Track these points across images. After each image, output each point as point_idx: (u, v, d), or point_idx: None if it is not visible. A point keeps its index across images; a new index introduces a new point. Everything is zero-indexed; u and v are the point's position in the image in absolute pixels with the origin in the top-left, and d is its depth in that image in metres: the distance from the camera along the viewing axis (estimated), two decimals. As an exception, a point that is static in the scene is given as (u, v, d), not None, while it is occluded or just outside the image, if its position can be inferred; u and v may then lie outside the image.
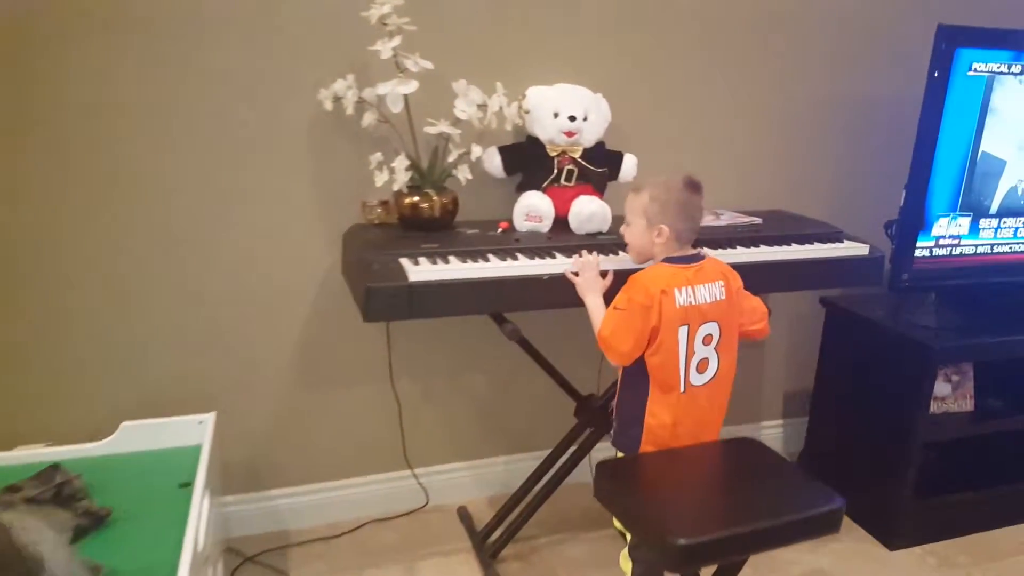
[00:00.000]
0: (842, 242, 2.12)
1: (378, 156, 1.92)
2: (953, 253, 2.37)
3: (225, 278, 2.04)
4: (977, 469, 2.51)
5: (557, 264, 1.77)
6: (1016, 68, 2.24)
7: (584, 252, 1.81)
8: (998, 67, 2.22)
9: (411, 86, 1.83)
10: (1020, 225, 2.44)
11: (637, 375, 1.74)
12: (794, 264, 2.01)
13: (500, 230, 1.98)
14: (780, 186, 2.56)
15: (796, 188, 2.57)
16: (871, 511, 2.39)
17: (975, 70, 2.20)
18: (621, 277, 1.75)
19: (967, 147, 2.27)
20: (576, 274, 1.76)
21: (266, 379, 2.16)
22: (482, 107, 1.95)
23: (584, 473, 2.25)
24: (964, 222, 2.36)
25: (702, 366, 1.73)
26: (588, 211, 1.97)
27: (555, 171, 2.04)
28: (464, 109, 1.92)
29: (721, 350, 1.75)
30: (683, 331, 1.69)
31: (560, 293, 1.76)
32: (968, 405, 2.45)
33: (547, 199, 1.98)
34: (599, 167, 2.08)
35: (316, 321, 2.15)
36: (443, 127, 1.90)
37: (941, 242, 2.36)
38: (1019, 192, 2.40)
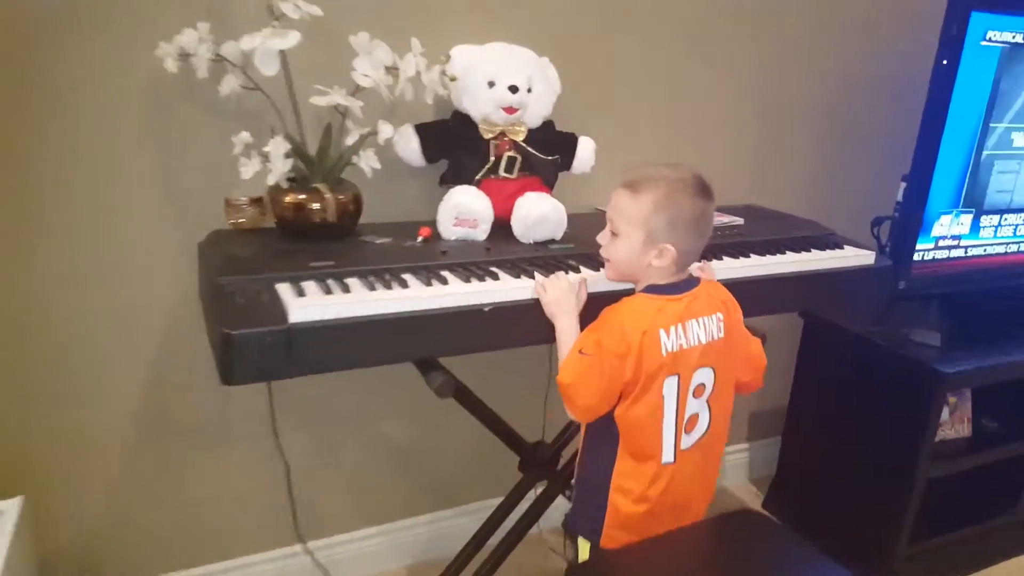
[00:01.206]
0: (842, 248, 1.71)
1: (245, 137, 1.37)
2: (954, 256, 2.02)
3: (31, 311, 1.45)
4: (970, 500, 2.17)
5: (502, 288, 1.28)
6: (1029, 37, 1.88)
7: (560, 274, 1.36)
8: (1012, 36, 1.86)
9: (290, 39, 1.29)
10: (1021, 222, 2.11)
11: (602, 434, 1.29)
12: (792, 279, 1.58)
13: (420, 239, 1.46)
14: (748, 176, 2.14)
15: (766, 179, 2.16)
16: (860, 554, 2.01)
17: (989, 39, 1.83)
18: (594, 303, 1.29)
19: (975, 131, 1.91)
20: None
21: (100, 446, 1.58)
22: (392, 71, 1.43)
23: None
24: (967, 220, 2.01)
25: (691, 424, 1.29)
26: (538, 213, 1.48)
27: (492, 159, 1.54)
28: (368, 73, 1.39)
29: (714, 402, 1.31)
30: (671, 383, 1.24)
31: (510, 328, 1.29)
32: (966, 430, 2.11)
33: (484, 197, 1.48)
34: (549, 154, 1.60)
35: (167, 364, 1.58)
36: (338, 97, 1.36)
37: (941, 243, 2.00)
38: (1024, 184, 2.07)
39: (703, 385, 1.28)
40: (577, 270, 1.39)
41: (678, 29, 1.89)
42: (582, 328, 1.26)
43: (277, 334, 1.08)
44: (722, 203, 1.93)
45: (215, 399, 1.64)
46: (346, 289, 1.19)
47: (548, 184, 1.61)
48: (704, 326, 1.26)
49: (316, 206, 1.37)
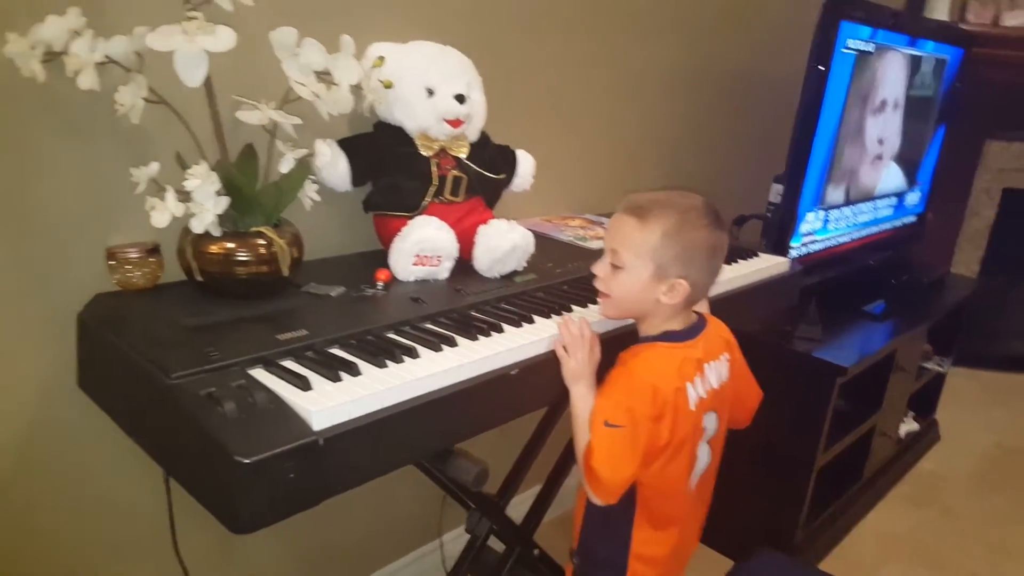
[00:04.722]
0: (756, 255, 1.73)
1: (152, 169, 1.01)
2: (813, 249, 2.16)
3: None
4: (829, 474, 2.36)
5: (519, 343, 1.07)
6: (870, 47, 2.04)
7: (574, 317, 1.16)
8: (864, 45, 2.00)
9: (223, 38, 0.96)
10: (851, 213, 2.31)
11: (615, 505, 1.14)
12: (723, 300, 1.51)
13: (380, 285, 1.19)
14: (609, 182, 2.06)
15: (624, 184, 2.10)
16: (766, 536, 2.09)
17: (848, 47, 1.95)
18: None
19: (833, 133, 2.04)
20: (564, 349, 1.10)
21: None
22: (324, 77, 1.14)
23: None
24: (823, 216, 2.15)
25: (691, 465, 1.19)
26: (509, 244, 1.28)
27: (434, 181, 1.31)
28: (302, 80, 1.09)
29: (715, 442, 1.23)
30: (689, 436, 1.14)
31: (534, 389, 1.10)
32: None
33: (448, 230, 1.24)
34: (496, 172, 1.40)
35: (24, 475, 1.14)
36: (272, 112, 1.05)
37: (805, 240, 2.11)
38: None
39: (706, 429, 1.19)
40: (564, 309, 1.22)
41: (550, 29, 1.75)
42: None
43: (305, 451, 0.78)
44: (588, 210, 1.90)
45: (96, 512, 1.22)
46: (354, 371, 0.91)
47: (490, 205, 1.42)
48: (716, 370, 1.17)
49: (265, 255, 1.05)
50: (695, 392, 1.11)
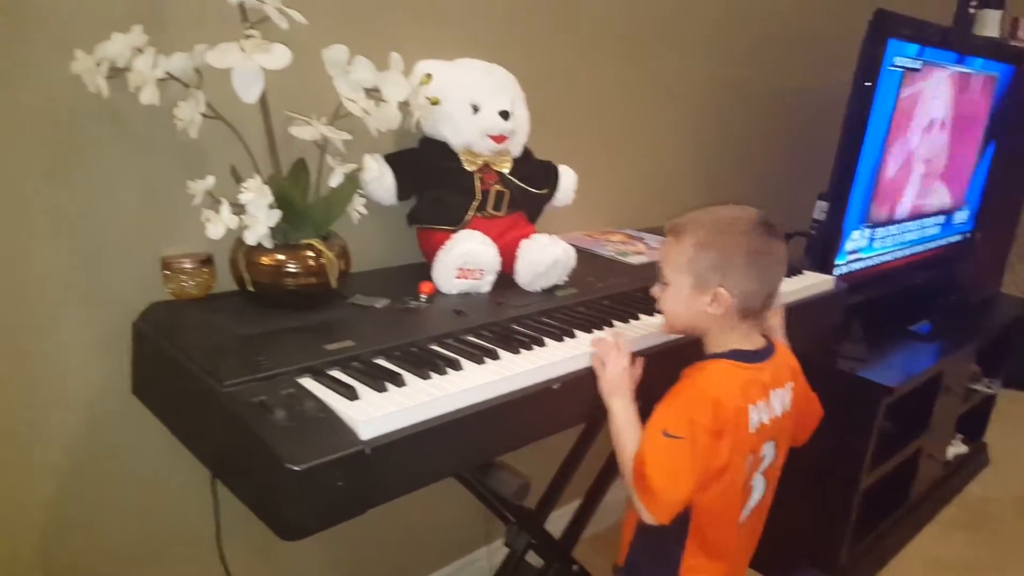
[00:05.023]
0: (801, 273, 1.71)
1: (208, 183, 1.04)
2: (856, 268, 2.12)
3: None
4: (873, 496, 2.32)
5: (560, 358, 1.08)
6: (917, 64, 2.01)
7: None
8: (911, 63, 1.98)
9: (279, 56, 0.98)
10: (897, 231, 2.28)
11: (668, 526, 1.11)
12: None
13: (424, 297, 1.21)
14: (649, 198, 2.06)
15: (664, 199, 2.10)
16: (810, 557, 2.05)
17: (895, 65, 1.93)
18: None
19: (880, 151, 2.01)
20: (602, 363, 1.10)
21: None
22: (373, 93, 1.16)
23: None
24: (867, 234, 2.12)
25: (745, 494, 1.18)
26: (550, 259, 1.29)
27: (477, 195, 1.32)
28: (352, 97, 1.11)
29: (771, 472, 1.21)
30: (747, 463, 1.13)
31: (579, 406, 1.10)
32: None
33: (491, 244, 1.26)
34: (531, 186, 1.41)
35: (76, 476, 1.18)
36: (323, 128, 1.08)
37: (850, 257, 2.09)
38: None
39: (763, 458, 1.17)
40: (606, 323, 1.22)
41: (593, 46, 1.77)
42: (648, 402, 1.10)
43: (353, 460, 0.80)
44: (631, 225, 1.90)
45: (141, 511, 1.26)
46: (399, 382, 0.93)
47: (532, 219, 1.43)
48: (780, 398, 1.15)
49: (312, 267, 1.07)
50: (757, 416, 1.10)
